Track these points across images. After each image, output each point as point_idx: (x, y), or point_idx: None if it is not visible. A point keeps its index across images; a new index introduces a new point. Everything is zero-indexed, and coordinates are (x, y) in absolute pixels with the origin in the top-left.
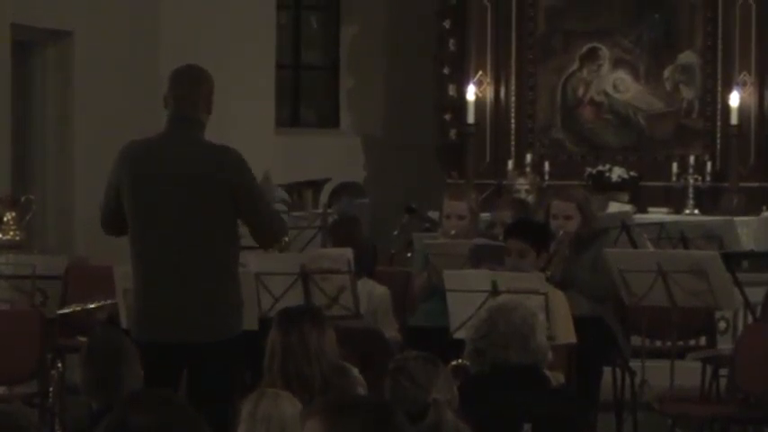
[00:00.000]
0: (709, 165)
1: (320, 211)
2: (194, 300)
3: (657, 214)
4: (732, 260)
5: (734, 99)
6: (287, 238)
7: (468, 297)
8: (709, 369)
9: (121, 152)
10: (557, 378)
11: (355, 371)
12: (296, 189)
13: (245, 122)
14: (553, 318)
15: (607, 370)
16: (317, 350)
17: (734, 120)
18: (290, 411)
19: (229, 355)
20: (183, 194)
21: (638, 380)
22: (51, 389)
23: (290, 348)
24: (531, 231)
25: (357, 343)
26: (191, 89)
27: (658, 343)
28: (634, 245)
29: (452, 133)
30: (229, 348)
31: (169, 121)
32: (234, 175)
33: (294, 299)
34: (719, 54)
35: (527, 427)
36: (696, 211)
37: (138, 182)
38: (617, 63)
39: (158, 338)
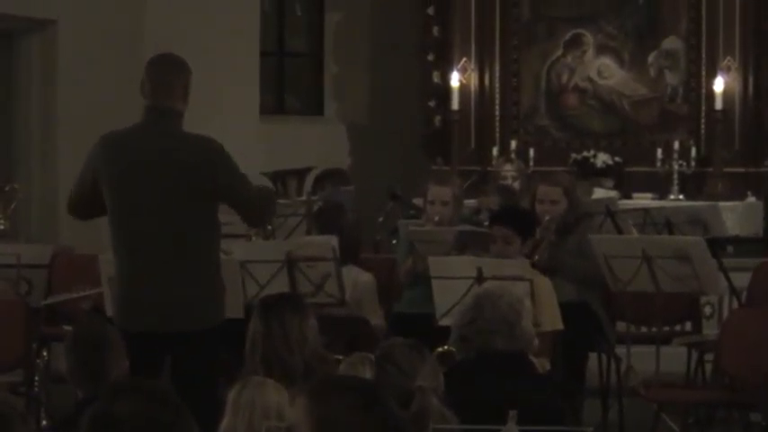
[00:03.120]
0: (693, 150)
1: (305, 198)
2: (176, 289)
3: (642, 200)
4: (717, 245)
5: (718, 84)
6: (270, 227)
7: (453, 284)
8: (694, 354)
9: (100, 142)
10: (542, 365)
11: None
12: (280, 177)
13: (229, 110)
14: (539, 304)
15: (592, 356)
16: (299, 338)
17: (718, 105)
18: (274, 398)
19: (213, 344)
20: (164, 185)
21: (623, 366)
22: (37, 378)
23: (271, 336)
24: (516, 218)
25: (342, 330)
26: (169, 78)
27: (644, 329)
28: (619, 231)
29: (437, 120)
30: (213, 337)
31: (147, 112)
32: (214, 165)
33: (279, 286)
34: (703, 39)
35: (513, 413)
36: (681, 197)
37: (118, 172)
38: (601, 49)
39: (141, 327)
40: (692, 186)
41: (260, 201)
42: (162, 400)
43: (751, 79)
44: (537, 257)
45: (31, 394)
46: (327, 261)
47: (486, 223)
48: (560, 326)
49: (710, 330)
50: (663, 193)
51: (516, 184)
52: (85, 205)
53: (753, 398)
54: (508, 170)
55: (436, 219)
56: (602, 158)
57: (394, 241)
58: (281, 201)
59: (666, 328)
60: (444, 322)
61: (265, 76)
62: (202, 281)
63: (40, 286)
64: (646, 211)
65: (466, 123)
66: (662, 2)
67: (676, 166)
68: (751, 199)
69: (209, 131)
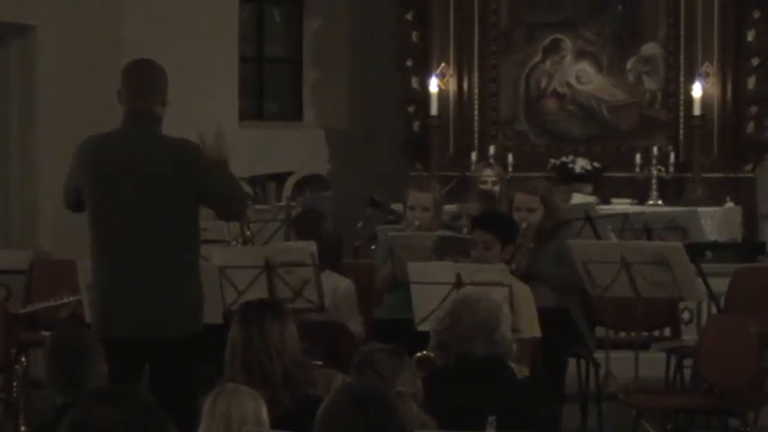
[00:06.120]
0: (672, 155)
1: (284, 204)
2: (156, 295)
3: (621, 205)
4: (696, 251)
5: (697, 90)
6: (249, 231)
7: (432, 289)
8: (673, 360)
9: (80, 148)
10: (522, 371)
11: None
12: (259, 182)
13: (208, 115)
14: (517, 310)
15: (572, 361)
16: (278, 344)
17: (697, 110)
18: (250, 406)
19: (191, 351)
20: (144, 191)
21: (602, 371)
22: (15, 384)
23: (251, 342)
24: (497, 224)
25: (321, 336)
26: (146, 83)
27: (623, 334)
28: (598, 236)
29: (416, 125)
30: (191, 344)
31: (126, 116)
32: (191, 167)
33: (258, 292)
34: (682, 45)
35: (491, 419)
36: (660, 202)
37: (98, 180)
38: (580, 55)
39: (120, 334)
40: (670, 192)
41: (236, 197)
42: (140, 408)
43: (729, 85)
44: (515, 265)
45: (9, 400)
46: (306, 267)
47: (466, 229)
48: (538, 333)
49: (689, 336)
50: (642, 199)
51: (496, 189)
52: (78, 204)
53: (732, 403)
54: (488, 175)
55: (416, 224)
56: (581, 164)
57: (373, 247)
58: (259, 206)
59: (645, 334)
60: (423, 328)
61: (244, 82)
62: (182, 288)
63: (19, 292)
64: (624, 216)
65: (445, 129)
66: (641, 8)
67: (655, 172)
68: (730, 204)
69: (187, 137)
